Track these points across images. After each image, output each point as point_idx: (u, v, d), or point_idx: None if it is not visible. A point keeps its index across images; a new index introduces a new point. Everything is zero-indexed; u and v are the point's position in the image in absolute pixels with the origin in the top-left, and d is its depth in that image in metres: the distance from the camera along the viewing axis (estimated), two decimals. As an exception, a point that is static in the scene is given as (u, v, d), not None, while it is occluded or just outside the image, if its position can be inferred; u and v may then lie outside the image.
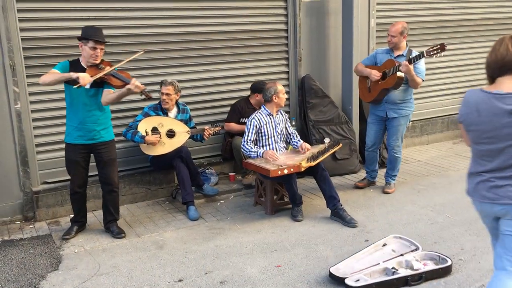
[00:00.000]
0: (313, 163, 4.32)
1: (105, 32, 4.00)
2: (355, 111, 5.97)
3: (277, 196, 4.65)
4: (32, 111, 4.60)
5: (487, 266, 3.42)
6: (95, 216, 4.60)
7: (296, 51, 5.82)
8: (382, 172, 5.35)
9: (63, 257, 3.82)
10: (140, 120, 4.74)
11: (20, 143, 4.49)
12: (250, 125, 4.56)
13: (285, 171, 4.17)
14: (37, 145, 4.65)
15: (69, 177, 4.16)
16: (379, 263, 3.37)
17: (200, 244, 3.98)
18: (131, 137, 4.67)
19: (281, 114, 4.78)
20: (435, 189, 5.12)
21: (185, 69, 5.31)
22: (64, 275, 3.53)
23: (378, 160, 5.27)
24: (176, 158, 4.67)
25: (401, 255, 3.51)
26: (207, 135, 4.90)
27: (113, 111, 4.43)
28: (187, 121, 5.01)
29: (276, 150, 4.63)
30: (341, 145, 4.98)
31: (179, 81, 4.98)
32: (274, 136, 4.65)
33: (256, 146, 4.61)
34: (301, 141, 4.77)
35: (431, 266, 3.35)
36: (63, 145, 4.07)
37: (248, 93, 5.45)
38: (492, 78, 2.32)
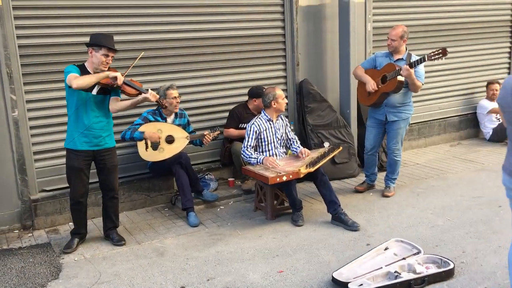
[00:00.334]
0: (312, 169, 4.30)
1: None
2: (353, 115, 5.97)
3: (277, 201, 4.62)
4: (30, 119, 4.56)
5: (489, 268, 3.43)
6: (94, 224, 4.57)
7: (294, 55, 5.82)
8: (381, 175, 5.35)
9: (63, 265, 3.79)
10: (138, 124, 4.72)
11: (18, 151, 4.46)
12: (250, 130, 4.54)
13: (284, 178, 4.15)
14: (35, 153, 4.62)
15: (67, 185, 4.11)
16: (381, 267, 3.37)
17: (201, 250, 3.96)
18: (130, 135, 4.62)
19: (282, 119, 4.75)
20: (434, 192, 5.12)
21: (182, 74, 5.29)
22: (64, 284, 3.49)
23: (377, 163, 5.28)
24: (176, 164, 4.64)
25: (403, 258, 3.50)
26: (207, 142, 4.88)
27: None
28: (185, 126, 4.99)
29: (276, 156, 4.62)
30: (341, 148, 4.97)
31: (177, 87, 4.96)
32: (274, 142, 4.63)
33: (256, 152, 4.59)
34: (301, 147, 4.74)
35: (433, 269, 3.34)
36: (61, 153, 4.04)
37: (246, 98, 5.45)
38: None
